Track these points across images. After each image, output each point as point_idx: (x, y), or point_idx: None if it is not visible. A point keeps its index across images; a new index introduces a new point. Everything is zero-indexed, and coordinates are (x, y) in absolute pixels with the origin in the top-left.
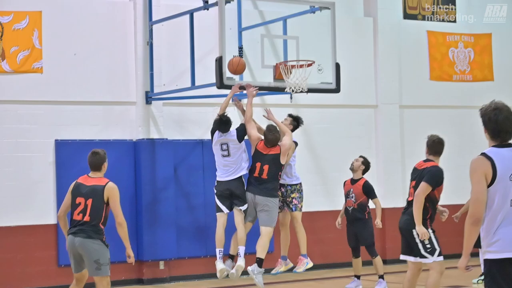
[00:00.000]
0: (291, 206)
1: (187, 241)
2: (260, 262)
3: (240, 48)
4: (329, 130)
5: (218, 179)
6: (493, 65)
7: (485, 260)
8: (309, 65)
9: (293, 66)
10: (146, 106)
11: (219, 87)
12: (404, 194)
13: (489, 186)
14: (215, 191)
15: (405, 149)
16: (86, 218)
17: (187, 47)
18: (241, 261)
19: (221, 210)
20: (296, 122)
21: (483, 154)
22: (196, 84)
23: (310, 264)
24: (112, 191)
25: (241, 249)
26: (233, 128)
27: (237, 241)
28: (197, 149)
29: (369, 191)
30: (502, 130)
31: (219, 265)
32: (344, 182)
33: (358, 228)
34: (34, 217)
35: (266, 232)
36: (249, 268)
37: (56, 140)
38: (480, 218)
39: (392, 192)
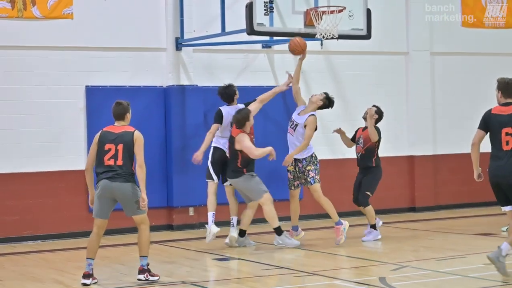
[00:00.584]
0: (308, 179)
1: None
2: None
3: None
4: (359, 77)
5: (214, 145)
6: None
7: None
8: (340, 11)
9: (324, 12)
10: (176, 53)
11: (249, 33)
12: (434, 141)
13: None
14: (210, 158)
15: (435, 96)
16: (119, 162)
17: None
18: (233, 232)
19: (211, 178)
20: (328, 102)
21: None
22: (226, 30)
23: (347, 225)
24: (139, 137)
25: (234, 220)
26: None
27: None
28: None
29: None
30: None
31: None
32: (357, 130)
33: (364, 175)
34: (64, 163)
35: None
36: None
37: (86, 86)
38: None
39: (422, 139)
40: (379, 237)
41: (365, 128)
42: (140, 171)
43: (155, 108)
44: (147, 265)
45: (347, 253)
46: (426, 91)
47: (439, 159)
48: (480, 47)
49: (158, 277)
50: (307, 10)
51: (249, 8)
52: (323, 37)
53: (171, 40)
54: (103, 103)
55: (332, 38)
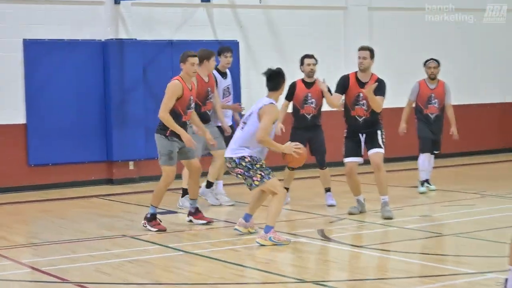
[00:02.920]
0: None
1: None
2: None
3: None
4: (297, 32)
5: None
6: None
7: None
8: None
9: None
10: (115, 6)
11: None
12: None
13: None
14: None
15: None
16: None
17: None
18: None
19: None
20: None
21: None
22: None
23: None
24: (167, 87)
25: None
26: None
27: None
28: (166, 50)
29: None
30: None
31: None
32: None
33: (314, 135)
34: (3, 117)
35: None
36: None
37: (24, 40)
38: None
39: None
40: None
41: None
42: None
43: (94, 62)
44: (152, 214)
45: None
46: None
47: None
48: (418, 2)
49: (157, 230)
50: None
51: None
52: None
53: None
54: (41, 57)
55: None
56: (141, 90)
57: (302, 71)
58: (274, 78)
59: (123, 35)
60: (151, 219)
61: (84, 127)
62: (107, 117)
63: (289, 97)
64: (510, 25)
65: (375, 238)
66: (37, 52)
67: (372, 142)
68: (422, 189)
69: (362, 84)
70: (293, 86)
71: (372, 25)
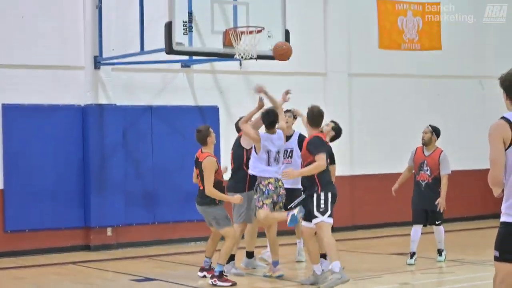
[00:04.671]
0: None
1: (135, 207)
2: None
3: (190, 14)
4: (277, 97)
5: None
6: (441, 34)
7: (501, 222)
8: (259, 31)
9: (242, 32)
10: (95, 71)
11: (168, 53)
12: (352, 162)
13: (507, 149)
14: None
15: (353, 117)
16: (201, 186)
17: (137, 11)
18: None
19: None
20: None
21: (503, 117)
22: (145, 49)
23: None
24: (205, 164)
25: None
26: None
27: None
28: (146, 115)
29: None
30: None
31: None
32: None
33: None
34: None
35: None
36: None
37: (3, 104)
38: (499, 179)
39: (339, 160)
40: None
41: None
42: (209, 194)
43: (73, 127)
44: (220, 272)
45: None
46: (343, 111)
47: (356, 179)
48: (396, 68)
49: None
50: (226, 30)
51: (168, 27)
52: (242, 57)
53: (90, 59)
54: (20, 122)
55: (251, 58)
56: (120, 155)
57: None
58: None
59: (102, 100)
60: (220, 276)
61: (62, 193)
62: (85, 182)
63: None
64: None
65: None
66: (15, 117)
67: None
68: (410, 261)
69: None
70: None
71: (351, 91)
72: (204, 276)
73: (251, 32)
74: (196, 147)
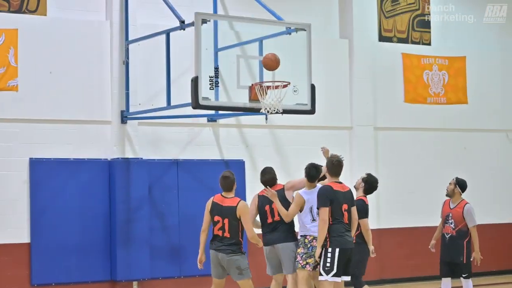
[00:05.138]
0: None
1: (161, 261)
2: None
3: (216, 69)
4: (303, 151)
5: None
6: (467, 88)
7: None
8: (285, 86)
9: (268, 87)
10: (121, 126)
11: (194, 107)
12: (378, 215)
13: None
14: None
15: (379, 170)
16: (226, 234)
17: (163, 66)
18: None
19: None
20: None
21: None
22: (172, 104)
23: None
24: (242, 209)
25: None
26: None
27: None
28: (172, 168)
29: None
30: None
31: None
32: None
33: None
34: (7, 236)
35: None
36: None
37: (30, 159)
38: None
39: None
40: None
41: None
42: (252, 241)
43: (99, 181)
44: None
45: None
46: (369, 165)
47: (383, 233)
48: (422, 122)
49: None
50: (252, 85)
51: (195, 82)
52: (268, 111)
53: (116, 113)
54: (47, 176)
55: (276, 112)
56: (146, 209)
57: None
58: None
59: (129, 154)
60: None
61: (88, 246)
62: (111, 236)
63: None
64: None
65: None
66: (42, 171)
67: None
68: None
69: None
70: None
71: (377, 144)
72: None
73: (277, 87)
74: None
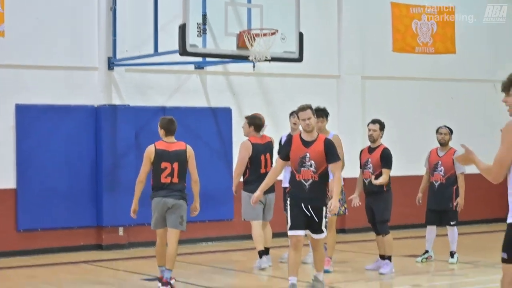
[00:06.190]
0: None
1: (147, 207)
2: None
3: (204, 16)
4: (291, 100)
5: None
6: (456, 37)
7: (509, 224)
8: (273, 33)
9: (256, 35)
10: (108, 72)
11: (181, 54)
12: None
13: None
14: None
15: (365, 119)
16: (175, 180)
17: (151, 13)
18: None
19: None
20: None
21: None
22: (159, 50)
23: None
24: (192, 153)
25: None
26: None
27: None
28: (159, 115)
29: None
30: None
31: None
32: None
33: (374, 201)
34: None
35: None
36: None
37: (17, 104)
38: (499, 180)
39: (352, 163)
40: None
41: (372, 149)
42: (195, 186)
43: (86, 127)
44: (171, 278)
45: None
46: (356, 114)
47: None
48: (410, 71)
49: None
50: (240, 32)
51: (182, 29)
52: (256, 59)
53: (104, 60)
54: (33, 121)
55: (264, 60)
56: (132, 155)
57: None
58: None
59: (116, 101)
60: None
61: (74, 192)
62: (98, 182)
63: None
64: None
65: None
66: (29, 117)
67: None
68: (418, 259)
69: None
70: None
71: (364, 93)
72: None
73: (265, 34)
74: (208, 148)
